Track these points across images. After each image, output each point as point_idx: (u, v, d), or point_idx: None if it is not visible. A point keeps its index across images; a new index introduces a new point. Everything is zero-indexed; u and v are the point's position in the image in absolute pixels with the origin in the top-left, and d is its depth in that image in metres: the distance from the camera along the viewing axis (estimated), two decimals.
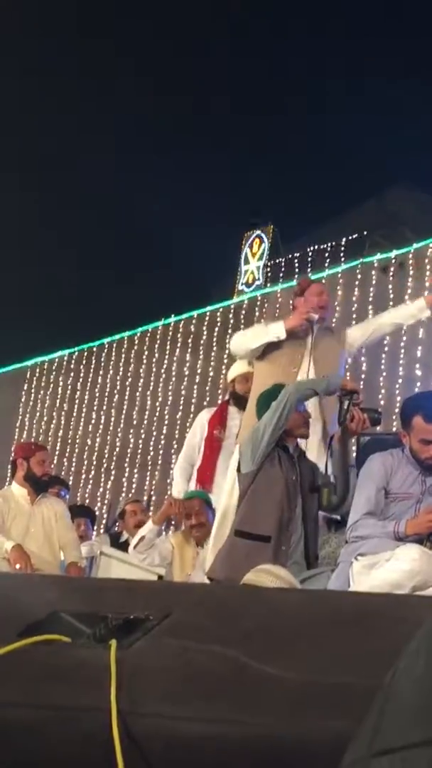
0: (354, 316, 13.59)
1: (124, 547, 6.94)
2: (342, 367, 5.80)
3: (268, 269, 16.33)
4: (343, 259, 14.72)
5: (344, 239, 15.02)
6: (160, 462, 15.50)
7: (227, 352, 15.24)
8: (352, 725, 0.98)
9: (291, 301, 6.24)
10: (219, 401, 7.25)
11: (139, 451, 16.10)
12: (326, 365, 5.58)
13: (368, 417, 5.02)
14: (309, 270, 15.17)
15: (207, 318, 16.23)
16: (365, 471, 4.54)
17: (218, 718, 1.37)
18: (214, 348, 15.74)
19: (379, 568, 4.17)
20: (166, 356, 16.51)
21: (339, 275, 14.31)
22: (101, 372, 17.50)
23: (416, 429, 4.49)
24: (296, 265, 15.69)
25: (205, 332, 16.05)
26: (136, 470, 15.99)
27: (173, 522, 8.40)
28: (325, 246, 15.33)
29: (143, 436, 16.18)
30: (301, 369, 5.55)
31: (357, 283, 13.90)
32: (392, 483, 4.45)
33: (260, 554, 4.56)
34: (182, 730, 1.39)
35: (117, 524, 8.40)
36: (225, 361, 15.14)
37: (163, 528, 9.01)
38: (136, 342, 17.25)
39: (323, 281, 14.53)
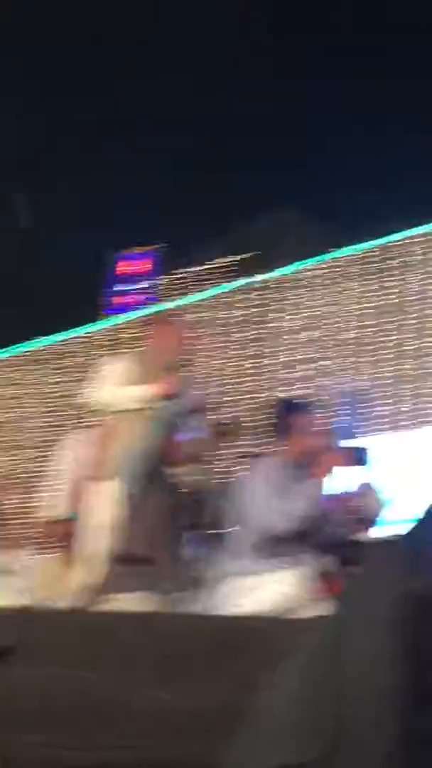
0: (236, 336, 13.68)
1: None
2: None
3: (150, 289, 16.34)
4: (223, 280, 14.83)
5: (223, 260, 15.13)
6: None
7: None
8: (221, 747, 0.96)
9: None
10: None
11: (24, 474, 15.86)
12: None
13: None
14: (189, 291, 15.21)
15: (96, 337, 16.10)
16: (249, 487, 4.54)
17: (81, 746, 1.34)
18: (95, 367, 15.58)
19: (255, 590, 4.17)
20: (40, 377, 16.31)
21: (220, 295, 14.40)
22: None
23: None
24: (178, 285, 15.73)
25: (90, 352, 15.91)
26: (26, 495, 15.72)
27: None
28: (207, 267, 15.42)
29: (17, 456, 15.95)
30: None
31: (237, 304, 14.00)
32: (278, 493, 4.48)
33: (136, 577, 4.54)
34: (46, 757, 1.35)
35: None
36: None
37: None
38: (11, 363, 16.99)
39: (203, 302, 14.61)
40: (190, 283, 15.54)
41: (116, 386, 5.50)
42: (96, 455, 5.77)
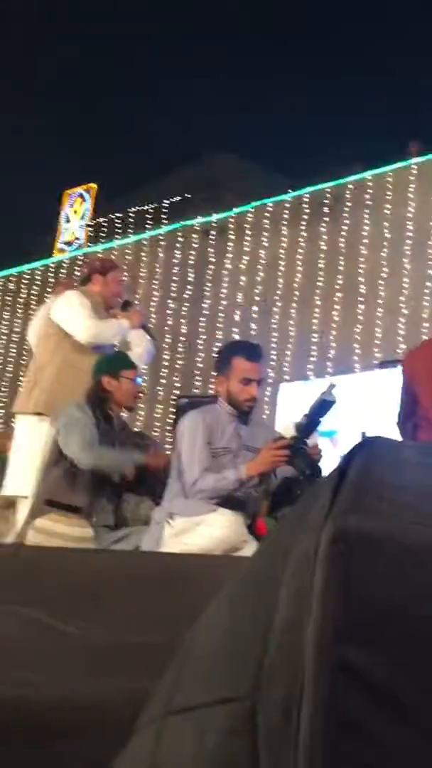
0: (174, 278, 13.65)
1: None
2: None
3: (90, 229, 16.18)
4: (165, 221, 14.74)
5: (166, 201, 15.03)
6: None
7: None
8: (154, 685, 0.97)
9: (86, 271, 6.21)
10: None
11: None
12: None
13: None
14: (131, 231, 15.12)
15: (26, 276, 15.97)
16: (187, 429, 4.56)
17: (19, 681, 1.35)
18: (33, 307, 15.51)
19: (190, 533, 4.22)
20: None
21: (161, 237, 14.32)
22: None
23: (236, 369, 4.54)
24: (118, 225, 15.60)
25: (24, 290, 15.80)
26: None
27: None
28: (147, 207, 15.30)
29: None
30: None
31: (178, 245, 13.96)
32: (213, 437, 4.50)
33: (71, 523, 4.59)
34: None
35: None
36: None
37: None
38: None
39: (144, 242, 14.53)
40: (129, 225, 15.42)
41: (93, 320, 5.55)
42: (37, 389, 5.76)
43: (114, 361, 5.20)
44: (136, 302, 5.99)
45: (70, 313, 5.64)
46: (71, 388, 5.50)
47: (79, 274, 15.03)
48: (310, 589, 0.58)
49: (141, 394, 5.46)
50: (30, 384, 5.80)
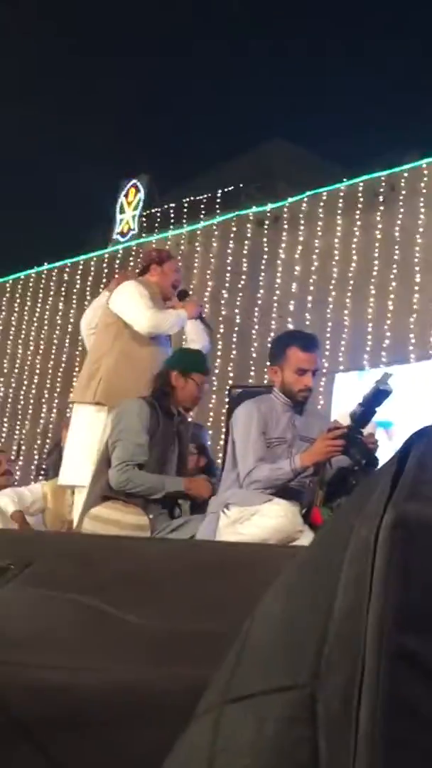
0: (228, 268, 13.64)
1: None
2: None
3: (144, 219, 16.21)
4: (218, 211, 14.73)
5: (220, 191, 15.01)
6: (30, 412, 15.35)
7: None
8: (212, 673, 0.98)
9: (143, 262, 6.24)
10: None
11: (9, 400, 15.91)
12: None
13: None
14: (184, 221, 15.13)
15: (81, 267, 16.06)
16: (242, 419, 4.55)
17: (79, 667, 1.36)
18: (88, 297, 15.61)
19: (245, 523, 4.22)
20: (38, 304, 16.29)
21: (214, 227, 14.32)
22: None
23: (291, 359, 4.52)
24: (172, 215, 15.62)
25: (78, 281, 15.90)
26: (5, 420, 15.80)
27: (42, 472, 8.34)
28: (201, 197, 15.30)
29: (14, 385, 15.98)
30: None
31: (232, 235, 13.95)
32: (267, 428, 4.49)
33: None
34: (42, 678, 1.37)
35: None
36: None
37: (32, 475, 8.91)
38: (8, 289, 16.97)
39: (198, 232, 14.54)
40: (183, 215, 15.43)
41: (153, 310, 5.60)
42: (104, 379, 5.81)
43: (188, 359, 5.19)
44: (191, 292, 6.00)
45: (130, 303, 5.67)
46: (129, 378, 5.54)
47: (133, 264, 15.10)
48: (370, 576, 0.58)
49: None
50: (88, 374, 5.82)
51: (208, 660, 1.20)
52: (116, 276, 7.11)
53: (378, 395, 4.22)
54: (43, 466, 10.00)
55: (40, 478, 9.39)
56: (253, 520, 4.18)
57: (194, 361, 5.18)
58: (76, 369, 13.54)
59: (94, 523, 4.65)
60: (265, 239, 13.43)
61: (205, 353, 5.60)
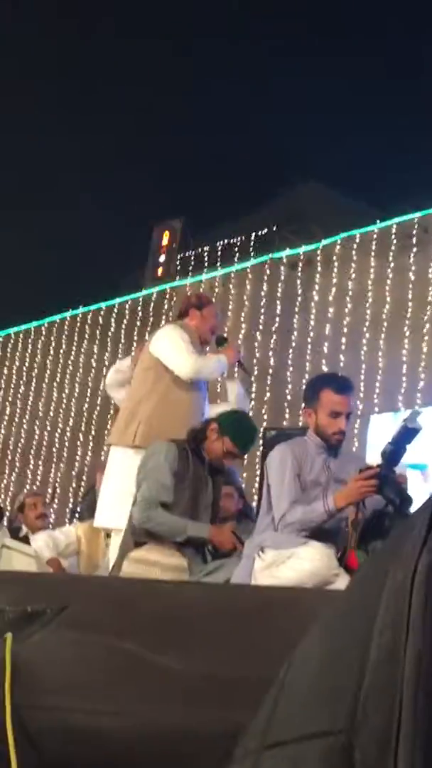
0: (262, 311, 13.68)
1: (25, 540, 6.87)
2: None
3: (178, 262, 16.31)
4: (252, 254, 14.78)
5: (253, 234, 15.08)
6: (65, 455, 15.39)
7: (135, 344, 15.22)
8: (248, 718, 0.97)
9: (182, 306, 6.25)
10: None
11: (45, 443, 15.96)
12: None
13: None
14: (218, 264, 15.20)
15: (115, 310, 16.15)
16: (276, 462, 4.52)
17: (115, 711, 1.36)
18: (122, 340, 15.70)
19: (280, 566, 4.19)
20: (74, 347, 16.39)
21: (248, 270, 14.37)
22: (7, 363, 17.29)
23: (325, 402, 4.49)
24: (206, 258, 15.70)
25: (113, 324, 15.98)
26: (41, 462, 15.85)
27: (77, 514, 8.35)
28: (235, 240, 15.37)
29: (48, 428, 16.04)
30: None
31: (265, 278, 13.99)
32: (301, 470, 4.46)
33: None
34: (79, 722, 1.37)
35: (18, 518, 8.30)
36: (132, 353, 15.11)
37: (67, 517, 8.92)
38: (44, 332, 17.09)
39: (231, 275, 14.61)
40: (217, 258, 15.51)
41: (194, 355, 5.62)
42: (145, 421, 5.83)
43: (232, 426, 5.08)
44: (226, 335, 5.98)
45: (171, 348, 5.67)
46: (168, 422, 5.54)
47: (166, 307, 15.18)
48: (407, 618, 0.58)
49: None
50: (126, 417, 5.83)
51: (245, 705, 1.19)
52: (140, 345, 7.12)
53: (407, 434, 4.19)
54: (77, 509, 9.99)
55: (75, 520, 9.40)
56: (288, 563, 4.15)
57: (240, 436, 5.06)
58: (111, 412, 13.57)
59: (136, 565, 4.64)
60: (298, 282, 13.46)
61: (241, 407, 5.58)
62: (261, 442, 5.47)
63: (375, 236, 12.88)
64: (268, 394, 12.80)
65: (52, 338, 16.82)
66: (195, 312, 5.91)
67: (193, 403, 5.58)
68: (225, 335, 6.19)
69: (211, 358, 5.70)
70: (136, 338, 15.31)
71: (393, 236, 12.67)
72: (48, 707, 1.40)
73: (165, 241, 16.70)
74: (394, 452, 4.24)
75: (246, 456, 5.64)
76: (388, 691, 0.58)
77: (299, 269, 13.63)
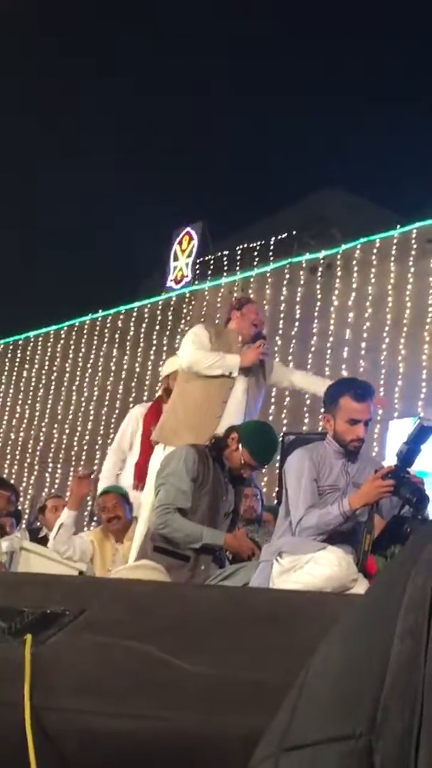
0: (282, 315, 13.67)
1: (43, 542, 6.90)
2: (260, 400, 6.02)
3: (197, 266, 16.32)
4: (271, 258, 14.78)
5: (273, 238, 15.07)
6: (84, 457, 15.41)
7: (154, 348, 15.26)
8: (266, 721, 0.97)
9: (225, 313, 6.30)
10: (145, 398, 7.23)
11: (63, 446, 16.00)
12: (252, 395, 5.81)
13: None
14: (238, 268, 15.20)
15: (135, 313, 16.18)
16: (294, 466, 4.51)
17: (133, 714, 1.36)
18: (141, 344, 15.72)
19: (298, 571, 4.18)
20: (93, 351, 16.43)
21: (268, 274, 14.37)
22: (26, 366, 17.36)
23: (344, 409, 4.47)
24: (225, 263, 15.70)
25: (132, 328, 16.01)
26: (59, 466, 15.89)
27: (95, 518, 8.36)
28: (255, 245, 15.36)
29: (67, 431, 16.08)
30: (233, 392, 5.76)
31: (285, 282, 13.98)
32: (319, 475, 4.45)
33: (177, 573, 4.59)
34: (97, 725, 1.37)
35: (38, 519, 8.33)
36: (152, 357, 15.12)
37: (86, 522, 8.94)
38: (63, 336, 17.14)
39: (251, 280, 14.61)
40: (236, 262, 15.50)
41: (204, 350, 5.64)
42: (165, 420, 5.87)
43: (252, 438, 5.04)
44: (263, 339, 5.93)
45: (184, 342, 5.82)
46: (180, 415, 5.62)
47: (186, 311, 15.20)
48: (427, 624, 0.58)
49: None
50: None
51: (263, 708, 1.19)
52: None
53: (422, 433, 4.18)
54: (95, 512, 10.01)
55: (93, 523, 9.41)
56: (306, 568, 4.14)
57: (259, 450, 5.03)
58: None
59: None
60: (318, 286, 13.46)
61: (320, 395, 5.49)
62: (280, 446, 5.43)
63: (395, 241, 12.86)
64: (287, 399, 12.79)
65: (72, 342, 16.87)
66: (235, 313, 6.00)
67: (206, 394, 5.60)
68: (262, 335, 6.18)
69: (211, 354, 5.71)
70: (155, 342, 15.35)
71: (413, 241, 12.65)
72: (67, 709, 1.40)
73: (185, 245, 16.70)
74: (409, 451, 4.23)
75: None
76: (409, 695, 0.58)
77: (319, 273, 13.62)
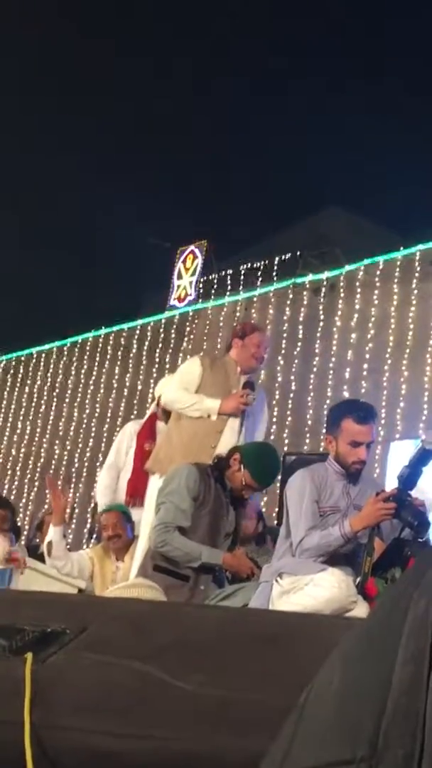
0: (284, 336, 13.68)
1: (43, 559, 6.90)
2: (260, 426, 5.92)
3: (201, 285, 16.33)
4: (275, 278, 14.78)
5: (277, 259, 15.09)
6: (84, 474, 15.40)
7: (156, 366, 15.25)
8: (266, 743, 0.98)
9: (228, 336, 6.26)
10: (147, 415, 7.23)
11: (64, 462, 15.98)
12: (252, 421, 5.78)
13: None
14: (241, 288, 15.21)
15: (137, 331, 16.20)
16: (295, 487, 4.51)
17: (133, 733, 1.36)
18: (144, 361, 15.72)
19: (298, 593, 4.17)
20: (95, 368, 16.43)
21: (271, 294, 14.39)
22: (29, 381, 17.36)
23: (345, 431, 4.47)
24: (228, 282, 15.72)
25: (135, 345, 16.02)
26: (59, 482, 15.86)
27: (95, 536, 8.37)
28: (258, 264, 15.38)
29: (68, 447, 16.06)
30: (228, 423, 5.70)
31: (288, 303, 13.99)
32: (321, 496, 4.45)
33: (177, 593, 4.59)
34: (97, 744, 1.37)
35: (36, 536, 8.31)
36: (154, 375, 15.11)
37: (84, 539, 8.92)
38: (65, 353, 17.15)
39: (254, 299, 14.63)
40: (240, 282, 15.52)
41: (187, 389, 5.61)
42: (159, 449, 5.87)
43: (254, 461, 5.03)
44: (250, 390, 5.73)
45: (173, 378, 5.88)
46: (174, 445, 5.62)
47: (188, 329, 15.21)
48: (430, 649, 0.58)
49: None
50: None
51: (261, 731, 1.19)
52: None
53: (424, 456, 4.18)
54: (95, 529, 10.00)
55: (92, 540, 9.40)
56: (306, 590, 4.13)
57: (259, 472, 5.02)
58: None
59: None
60: (321, 307, 13.46)
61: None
62: (281, 467, 5.43)
63: (398, 262, 12.87)
64: (289, 419, 12.78)
65: (74, 359, 16.88)
66: (237, 341, 5.86)
67: (200, 426, 5.59)
68: (252, 383, 5.98)
69: (190, 398, 5.67)
70: (157, 360, 15.35)
71: (417, 262, 12.66)
72: (66, 728, 1.40)
73: (189, 264, 16.72)
74: (410, 475, 4.23)
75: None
76: (410, 721, 0.58)
77: (322, 294, 13.63)
